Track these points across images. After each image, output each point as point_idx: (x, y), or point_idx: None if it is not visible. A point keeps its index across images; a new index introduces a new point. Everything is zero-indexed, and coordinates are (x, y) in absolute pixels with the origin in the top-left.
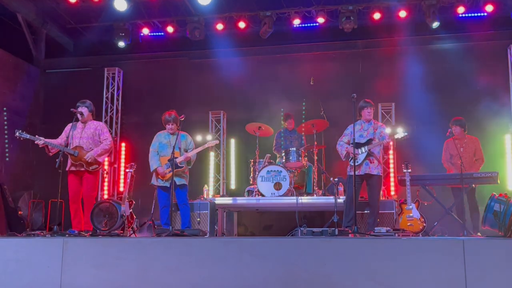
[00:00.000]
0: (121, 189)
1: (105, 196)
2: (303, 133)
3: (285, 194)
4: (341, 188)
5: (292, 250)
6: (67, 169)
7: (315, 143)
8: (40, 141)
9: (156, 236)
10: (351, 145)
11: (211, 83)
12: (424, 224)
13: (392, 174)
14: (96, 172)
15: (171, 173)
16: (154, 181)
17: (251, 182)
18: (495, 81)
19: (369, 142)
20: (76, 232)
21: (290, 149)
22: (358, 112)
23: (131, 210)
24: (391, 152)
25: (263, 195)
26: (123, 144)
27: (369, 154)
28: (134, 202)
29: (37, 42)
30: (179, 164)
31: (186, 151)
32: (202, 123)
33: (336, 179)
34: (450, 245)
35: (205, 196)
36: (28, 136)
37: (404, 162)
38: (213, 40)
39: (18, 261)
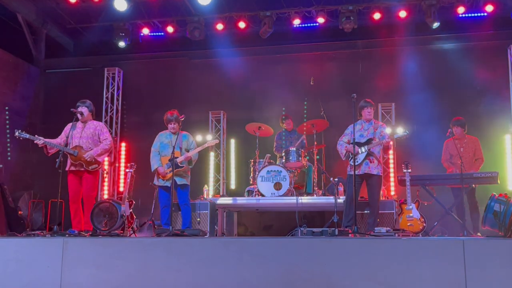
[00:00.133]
0: (121, 189)
1: (105, 196)
2: (303, 133)
3: (285, 194)
4: (341, 188)
5: (292, 250)
6: (66, 169)
7: (315, 143)
8: (40, 140)
9: (156, 236)
10: (351, 144)
11: (211, 83)
12: (424, 224)
13: (392, 174)
14: (95, 172)
15: (170, 173)
16: (156, 181)
17: (251, 182)
18: (495, 81)
19: (369, 141)
20: (76, 232)
21: (290, 149)
22: (358, 112)
23: (131, 210)
24: (391, 152)
25: (263, 195)
26: (123, 144)
27: (369, 154)
28: (134, 202)
29: (37, 42)
30: (179, 164)
31: (187, 151)
32: (202, 123)
33: (336, 179)
34: (450, 245)
35: (205, 196)
36: (27, 136)
37: (404, 162)
38: (213, 40)
39: (18, 261)
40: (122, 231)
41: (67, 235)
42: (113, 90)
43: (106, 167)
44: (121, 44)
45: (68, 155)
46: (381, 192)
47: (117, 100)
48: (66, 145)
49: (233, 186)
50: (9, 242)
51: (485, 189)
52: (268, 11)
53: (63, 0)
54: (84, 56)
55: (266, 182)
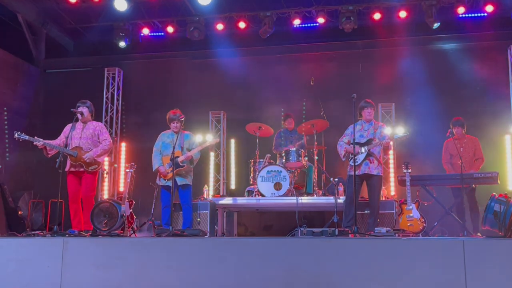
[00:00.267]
0: (121, 189)
1: (105, 196)
2: (303, 134)
3: (285, 194)
4: (341, 188)
5: (292, 250)
6: (66, 169)
7: (315, 143)
8: (39, 142)
9: (156, 236)
10: (351, 145)
11: (211, 83)
12: (424, 224)
13: (392, 174)
14: (95, 172)
15: (172, 173)
16: (158, 180)
17: (251, 182)
18: (495, 81)
19: (369, 142)
20: (76, 232)
21: (290, 149)
22: (358, 112)
23: (131, 210)
24: (391, 152)
25: (263, 195)
26: (123, 144)
27: (369, 154)
28: (134, 202)
29: (37, 42)
30: (180, 163)
31: (189, 150)
32: (202, 123)
33: (336, 179)
34: (450, 245)
35: (205, 196)
36: (27, 137)
37: (404, 162)
38: (213, 40)
39: (18, 261)
40: (122, 231)
41: (67, 235)
42: (113, 90)
43: (106, 167)
44: (121, 44)
45: (68, 156)
46: (381, 192)
47: (117, 100)
48: (66, 146)
49: (233, 186)
50: (9, 242)
51: (485, 189)
52: (268, 11)
53: (63, 0)
54: (84, 56)
55: (266, 182)
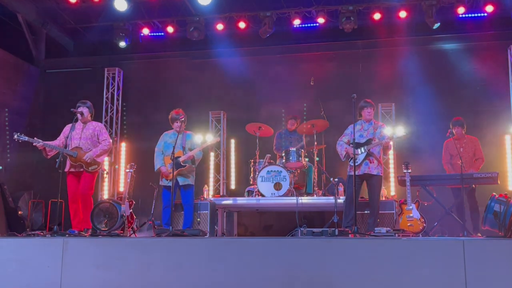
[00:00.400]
0: (121, 189)
1: (105, 196)
2: (303, 134)
3: (285, 194)
4: (341, 189)
5: (292, 250)
6: (66, 170)
7: (315, 143)
8: (39, 143)
9: (156, 236)
10: (351, 145)
11: (211, 83)
12: (424, 225)
13: (392, 174)
14: (95, 172)
15: (174, 172)
16: (160, 180)
17: (251, 182)
18: (495, 81)
19: (368, 142)
20: (76, 232)
21: (290, 149)
22: (358, 112)
23: (131, 210)
24: (391, 152)
25: (263, 195)
26: (123, 144)
27: (369, 154)
28: (134, 202)
29: (37, 42)
30: (182, 163)
31: (191, 150)
32: (202, 123)
33: (336, 179)
34: (450, 245)
35: (205, 196)
36: (26, 138)
37: (404, 162)
38: (213, 40)
39: (18, 261)
40: (122, 231)
41: (67, 235)
42: (113, 90)
43: (106, 167)
44: (122, 44)
45: (68, 156)
46: (381, 192)
47: (117, 100)
48: (65, 146)
49: (233, 186)
50: (9, 242)
51: (485, 189)
52: (268, 11)
53: (63, 0)
54: (84, 56)
55: (266, 182)
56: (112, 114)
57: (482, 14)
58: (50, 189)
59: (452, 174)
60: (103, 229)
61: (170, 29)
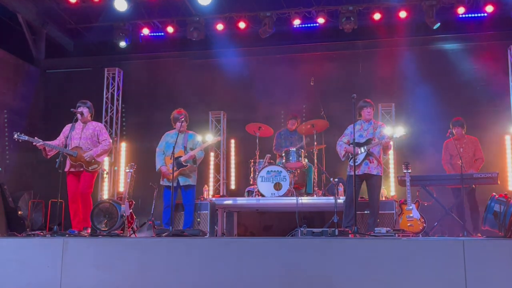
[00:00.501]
0: (121, 189)
1: (105, 196)
2: (303, 134)
3: (285, 195)
4: (341, 189)
5: (292, 250)
6: (66, 170)
7: (315, 143)
8: (39, 142)
9: (156, 236)
10: (350, 145)
11: (211, 83)
12: (424, 225)
13: (392, 174)
14: (94, 172)
15: (175, 172)
16: (161, 180)
17: (251, 182)
18: (495, 81)
19: (368, 142)
20: (76, 232)
21: (290, 149)
22: (357, 112)
23: (131, 210)
24: (391, 152)
25: (263, 196)
26: (123, 144)
27: (369, 154)
28: (134, 202)
29: (37, 42)
30: (183, 163)
31: (193, 150)
32: (202, 123)
33: (336, 180)
34: (450, 245)
35: (205, 196)
36: (26, 138)
37: (404, 162)
38: (213, 40)
39: (18, 261)
40: (122, 231)
41: (67, 235)
42: (113, 90)
43: (106, 167)
44: (122, 44)
45: (68, 156)
46: (381, 192)
47: (117, 100)
48: (65, 146)
49: (233, 186)
50: (9, 242)
51: (485, 189)
52: (268, 11)
53: (63, 0)
54: (84, 56)
55: (266, 183)
56: (112, 114)
57: (482, 14)
58: (50, 189)
59: (452, 174)
60: (103, 229)
61: (170, 29)
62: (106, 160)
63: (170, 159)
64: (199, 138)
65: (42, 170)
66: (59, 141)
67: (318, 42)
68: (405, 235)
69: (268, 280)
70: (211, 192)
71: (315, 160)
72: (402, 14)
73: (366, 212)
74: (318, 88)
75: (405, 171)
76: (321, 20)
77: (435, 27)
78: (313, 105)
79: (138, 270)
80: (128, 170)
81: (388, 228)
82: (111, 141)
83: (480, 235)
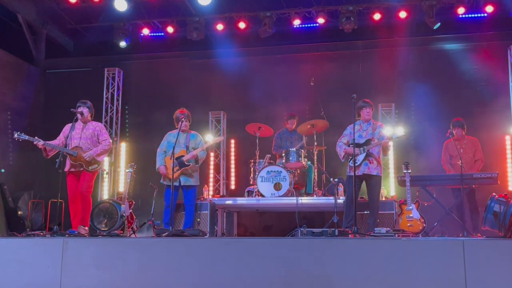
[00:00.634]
0: (121, 189)
1: (105, 196)
2: (303, 134)
3: (285, 195)
4: (341, 189)
5: (292, 250)
6: (66, 170)
7: (315, 143)
8: (39, 142)
9: (156, 236)
10: (350, 145)
11: (211, 83)
12: (424, 225)
13: (392, 175)
14: (94, 172)
15: (177, 172)
16: (162, 180)
17: (251, 183)
18: (495, 82)
19: (368, 142)
20: (76, 232)
21: (290, 149)
22: (357, 112)
23: (131, 210)
24: (391, 152)
25: (263, 196)
26: (123, 144)
27: (368, 155)
28: (134, 202)
29: (37, 42)
30: (185, 163)
31: (195, 150)
32: (202, 123)
33: (336, 180)
34: (450, 245)
35: (205, 196)
36: (26, 137)
37: (404, 163)
38: (213, 40)
39: (18, 261)
40: (122, 231)
41: (67, 235)
42: (113, 90)
43: (106, 167)
44: (122, 44)
45: (68, 156)
46: (381, 192)
47: (117, 100)
48: (65, 146)
49: (233, 186)
50: (9, 242)
51: (485, 189)
52: (268, 11)
53: (63, 0)
54: (84, 56)
55: (266, 183)
56: (112, 114)
57: (482, 14)
58: (50, 189)
59: (452, 174)
60: (103, 229)
61: (170, 29)
62: (106, 160)
63: (170, 158)
64: (201, 137)
65: (42, 170)
66: (59, 141)
67: (318, 42)
68: (405, 235)
69: (268, 280)
70: (211, 192)
71: (315, 160)
72: (402, 14)
73: (366, 212)
74: (318, 88)
75: (405, 171)
76: (321, 20)
77: (435, 27)
78: (313, 105)
79: (138, 270)
80: (128, 170)
81: (388, 228)
82: (111, 141)
83: (480, 235)
